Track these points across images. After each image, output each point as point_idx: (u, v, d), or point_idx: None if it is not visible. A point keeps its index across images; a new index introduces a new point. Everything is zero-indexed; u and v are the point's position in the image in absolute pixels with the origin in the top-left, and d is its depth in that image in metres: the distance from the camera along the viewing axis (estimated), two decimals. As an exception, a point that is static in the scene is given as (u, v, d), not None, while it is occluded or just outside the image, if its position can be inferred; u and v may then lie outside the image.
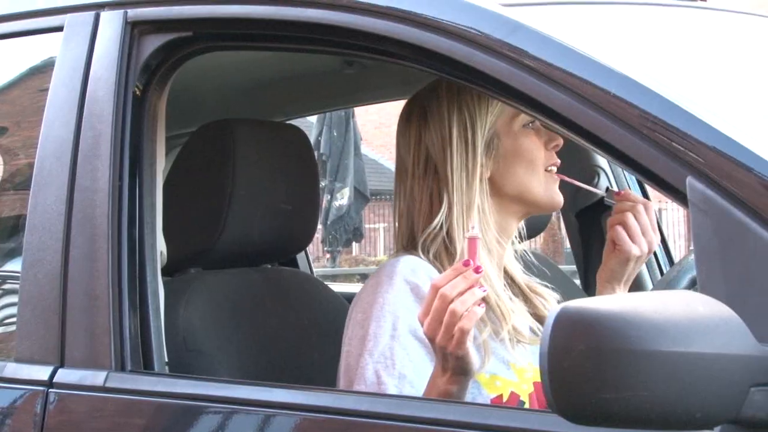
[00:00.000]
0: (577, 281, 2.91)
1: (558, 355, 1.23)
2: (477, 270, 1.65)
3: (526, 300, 1.99)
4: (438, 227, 1.90)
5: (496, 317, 1.86)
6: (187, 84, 2.03)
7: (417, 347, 1.79)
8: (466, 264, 1.65)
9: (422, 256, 1.89)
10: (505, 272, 2.00)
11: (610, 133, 1.46)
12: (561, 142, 1.96)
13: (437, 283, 1.66)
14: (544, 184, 1.95)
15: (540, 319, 1.95)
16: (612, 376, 1.20)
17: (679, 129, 1.40)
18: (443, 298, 1.64)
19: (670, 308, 1.25)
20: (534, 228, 2.58)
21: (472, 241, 1.68)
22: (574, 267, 3.20)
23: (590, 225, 2.87)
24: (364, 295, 1.86)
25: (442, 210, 1.90)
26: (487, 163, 1.93)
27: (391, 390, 1.76)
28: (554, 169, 1.97)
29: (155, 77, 1.87)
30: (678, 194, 1.40)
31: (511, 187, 1.94)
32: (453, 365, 1.67)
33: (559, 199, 1.98)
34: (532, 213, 2.00)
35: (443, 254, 1.90)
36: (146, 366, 1.79)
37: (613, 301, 1.25)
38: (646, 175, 1.44)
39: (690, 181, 1.37)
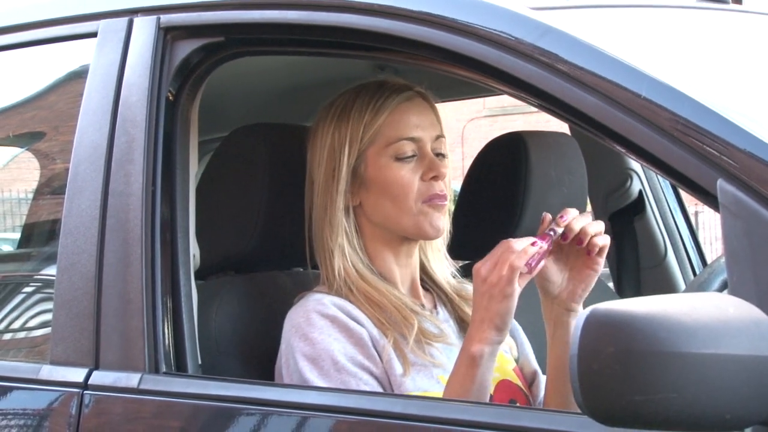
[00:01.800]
0: (610, 284, 2.90)
1: (588, 357, 1.23)
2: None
3: (451, 303, 2.03)
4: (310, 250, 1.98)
5: (399, 322, 1.89)
6: (218, 89, 2.04)
7: (359, 372, 1.83)
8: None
9: (321, 288, 1.96)
10: (430, 278, 2.05)
11: (640, 136, 1.46)
12: (441, 172, 1.93)
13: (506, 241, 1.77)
14: (414, 218, 1.93)
15: (463, 321, 1.99)
16: (642, 378, 1.21)
17: (710, 132, 1.40)
18: (505, 244, 1.75)
19: (700, 310, 1.25)
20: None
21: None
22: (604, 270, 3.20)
23: (623, 228, 2.86)
24: (293, 342, 1.87)
25: (309, 230, 1.98)
26: (354, 190, 1.95)
27: None
28: (436, 201, 1.93)
29: (188, 82, 1.88)
30: (709, 197, 1.40)
31: (377, 217, 1.96)
32: (496, 310, 1.74)
33: (433, 232, 1.94)
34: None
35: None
36: (179, 368, 1.80)
37: (642, 304, 1.25)
38: (677, 178, 1.44)
39: (721, 183, 1.37)
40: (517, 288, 1.75)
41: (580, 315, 1.26)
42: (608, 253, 2.92)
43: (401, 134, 1.94)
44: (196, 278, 1.92)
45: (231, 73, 2.00)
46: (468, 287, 2.03)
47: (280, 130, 2.22)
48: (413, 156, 1.94)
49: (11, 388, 1.93)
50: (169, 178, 1.86)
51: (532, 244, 1.77)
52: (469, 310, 1.94)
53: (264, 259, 2.18)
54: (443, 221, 1.95)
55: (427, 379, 1.87)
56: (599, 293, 2.57)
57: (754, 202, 1.35)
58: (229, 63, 1.91)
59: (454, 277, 2.09)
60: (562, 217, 1.82)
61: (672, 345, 1.21)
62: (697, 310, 1.24)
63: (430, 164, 1.93)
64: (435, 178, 1.93)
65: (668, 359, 1.20)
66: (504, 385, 1.95)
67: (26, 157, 2.53)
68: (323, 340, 1.84)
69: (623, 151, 1.52)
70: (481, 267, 1.76)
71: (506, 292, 1.73)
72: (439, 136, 1.98)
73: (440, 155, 1.97)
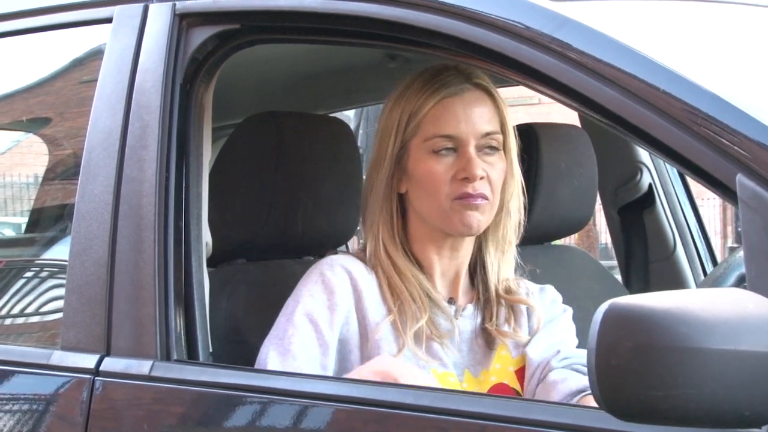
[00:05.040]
0: (618, 277, 2.90)
1: (606, 352, 1.23)
2: None
3: (490, 304, 2.01)
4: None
5: (410, 311, 1.91)
6: (231, 76, 2.04)
7: (308, 328, 1.86)
8: None
9: (355, 252, 2.00)
10: (484, 274, 2.02)
11: (658, 129, 1.45)
12: (473, 174, 1.90)
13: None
14: (445, 213, 1.92)
15: (488, 324, 1.98)
16: (661, 374, 1.20)
17: (729, 126, 1.39)
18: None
19: (719, 306, 1.24)
20: (571, 226, 2.58)
21: None
22: (610, 262, 3.20)
23: (631, 221, 2.87)
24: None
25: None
26: (400, 176, 1.96)
27: (275, 364, 1.82)
28: (468, 200, 1.91)
29: (203, 69, 1.88)
30: (727, 191, 1.39)
31: (419, 207, 1.96)
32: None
33: (463, 228, 1.92)
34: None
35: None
36: (191, 356, 1.80)
37: (661, 299, 1.25)
38: (696, 171, 1.43)
39: (740, 178, 1.36)
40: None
41: (598, 309, 1.25)
42: (617, 246, 2.96)
43: (439, 131, 1.92)
44: (208, 266, 1.91)
45: (243, 60, 2.00)
46: (522, 287, 2.05)
47: (292, 119, 2.22)
48: (452, 150, 1.92)
49: (22, 373, 1.93)
50: (182, 165, 1.85)
51: None
52: (503, 314, 1.99)
53: (275, 247, 2.18)
54: (476, 218, 1.92)
55: (418, 369, 1.86)
56: (608, 286, 2.58)
57: None
58: (242, 51, 1.91)
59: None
60: None
61: (691, 340, 1.20)
62: (716, 306, 1.24)
63: (465, 164, 1.91)
64: (465, 180, 1.91)
65: (687, 355, 1.20)
66: (498, 388, 1.95)
67: (36, 142, 2.53)
68: (301, 291, 1.90)
69: (641, 143, 1.51)
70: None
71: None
72: (491, 133, 1.94)
73: (491, 149, 1.94)
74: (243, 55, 1.92)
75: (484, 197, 1.91)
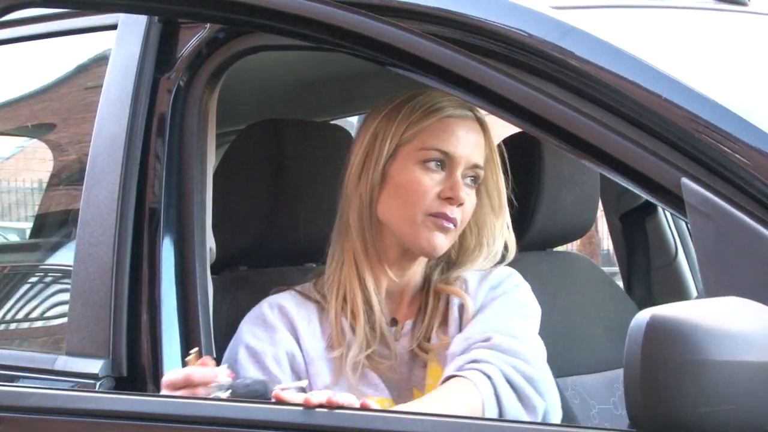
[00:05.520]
0: (620, 283, 2.91)
1: (653, 367, 1.19)
2: None
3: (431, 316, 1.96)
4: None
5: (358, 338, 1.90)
6: (234, 83, 2.05)
7: (253, 368, 1.87)
8: None
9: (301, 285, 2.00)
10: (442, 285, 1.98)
11: (593, 134, 1.46)
12: (458, 196, 1.89)
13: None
14: (416, 227, 1.90)
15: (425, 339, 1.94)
16: (707, 389, 1.18)
17: (730, 134, 1.40)
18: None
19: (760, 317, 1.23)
20: (573, 232, 2.59)
21: None
22: (612, 268, 3.20)
23: (633, 228, 2.87)
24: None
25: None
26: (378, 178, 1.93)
27: None
28: (443, 221, 1.89)
29: (207, 76, 1.89)
30: (668, 196, 1.41)
31: (386, 214, 1.93)
32: None
33: (428, 248, 1.90)
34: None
35: None
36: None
37: (705, 310, 1.22)
38: (636, 178, 1.44)
39: (685, 182, 1.38)
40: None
41: (634, 322, 1.21)
42: (619, 252, 2.97)
43: (437, 144, 1.92)
44: (212, 272, 1.92)
45: (245, 67, 2.01)
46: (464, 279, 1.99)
47: (293, 126, 2.23)
48: (440, 167, 1.91)
49: (27, 378, 1.94)
50: (187, 171, 1.87)
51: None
52: (438, 318, 1.95)
53: (277, 254, 2.19)
54: (442, 241, 1.90)
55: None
56: (610, 292, 2.58)
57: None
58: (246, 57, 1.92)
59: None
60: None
61: (735, 354, 1.18)
62: (758, 317, 1.22)
63: (453, 185, 1.90)
64: (450, 200, 1.90)
65: (732, 369, 1.18)
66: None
67: (40, 147, 2.55)
68: (243, 332, 1.91)
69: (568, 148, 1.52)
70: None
71: None
72: (478, 166, 1.94)
73: (472, 181, 1.94)
74: (245, 62, 1.93)
75: (455, 223, 1.91)
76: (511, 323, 1.90)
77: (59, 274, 2.14)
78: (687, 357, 1.17)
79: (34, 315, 2.17)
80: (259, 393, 1.61)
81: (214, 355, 1.84)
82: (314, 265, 2.31)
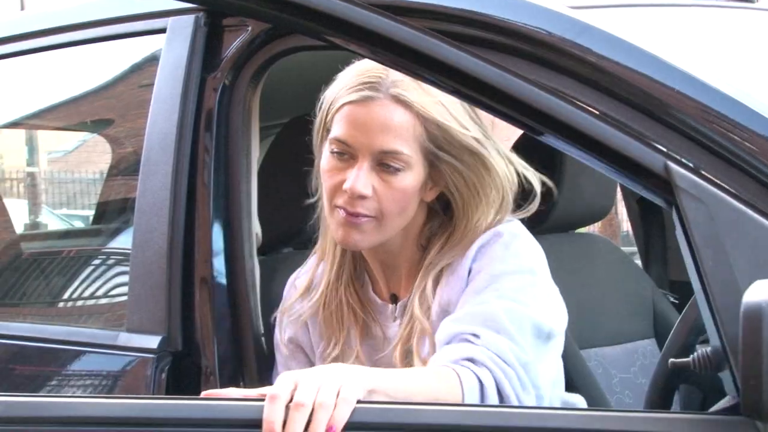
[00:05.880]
0: (638, 261, 2.97)
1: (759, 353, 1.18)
2: None
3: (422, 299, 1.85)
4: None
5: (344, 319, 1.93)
6: (276, 79, 2.15)
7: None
8: None
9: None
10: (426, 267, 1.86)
11: (576, 119, 1.47)
12: (352, 191, 1.78)
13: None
14: (330, 215, 1.85)
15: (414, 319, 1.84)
16: None
17: (742, 124, 1.43)
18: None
19: None
20: (593, 215, 2.67)
21: None
22: (631, 248, 3.25)
23: (651, 210, 2.92)
24: None
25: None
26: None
27: None
28: (343, 214, 1.80)
29: (250, 75, 1.99)
30: (652, 180, 1.43)
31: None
32: None
33: (337, 237, 1.83)
34: None
35: None
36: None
37: None
38: (620, 163, 1.45)
39: (671, 166, 1.39)
40: None
41: (752, 302, 1.20)
42: (637, 233, 3.03)
43: (335, 133, 1.84)
44: (259, 254, 2.03)
45: (288, 65, 2.10)
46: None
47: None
48: (348, 157, 1.82)
49: (92, 353, 2.07)
50: (233, 163, 1.98)
51: None
52: (429, 290, 1.85)
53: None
54: (353, 236, 1.82)
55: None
56: (629, 271, 2.66)
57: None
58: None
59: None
60: None
61: None
62: None
63: (351, 176, 1.80)
64: (344, 192, 1.80)
65: None
66: None
67: (100, 141, 2.64)
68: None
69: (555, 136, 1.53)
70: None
71: None
72: (391, 152, 1.78)
73: (390, 167, 1.80)
74: (287, 60, 2.03)
75: (366, 216, 1.80)
76: (497, 307, 1.73)
77: (119, 257, 2.24)
78: None
79: (97, 294, 2.27)
80: None
81: (262, 330, 1.99)
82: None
